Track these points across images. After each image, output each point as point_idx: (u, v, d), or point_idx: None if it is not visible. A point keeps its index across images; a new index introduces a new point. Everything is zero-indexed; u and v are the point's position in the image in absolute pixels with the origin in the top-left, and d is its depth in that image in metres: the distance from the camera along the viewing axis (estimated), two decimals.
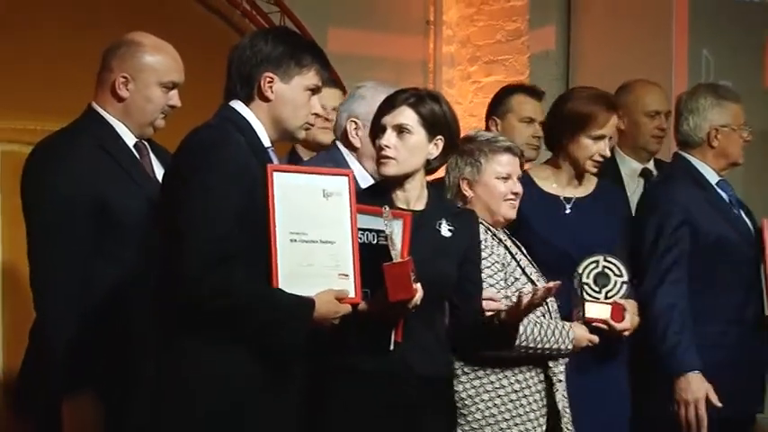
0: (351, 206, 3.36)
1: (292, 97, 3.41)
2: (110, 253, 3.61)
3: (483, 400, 3.79)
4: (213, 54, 4.78)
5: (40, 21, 4.40)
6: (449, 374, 3.72)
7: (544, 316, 3.95)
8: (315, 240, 3.30)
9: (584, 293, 4.12)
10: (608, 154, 4.39)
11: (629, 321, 4.17)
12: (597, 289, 4.12)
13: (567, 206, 4.33)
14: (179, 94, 3.76)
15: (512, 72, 5.89)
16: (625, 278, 4.16)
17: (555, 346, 3.88)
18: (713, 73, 6.00)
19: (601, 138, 4.31)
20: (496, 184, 3.91)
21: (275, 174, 3.25)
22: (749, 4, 6.15)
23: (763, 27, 6.22)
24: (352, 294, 3.32)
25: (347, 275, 3.32)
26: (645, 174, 5.04)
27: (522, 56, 6.05)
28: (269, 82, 3.38)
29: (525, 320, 3.76)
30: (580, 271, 4.12)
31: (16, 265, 4.19)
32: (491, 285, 3.82)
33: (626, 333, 4.17)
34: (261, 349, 3.23)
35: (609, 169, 4.94)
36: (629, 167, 5.08)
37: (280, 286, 3.22)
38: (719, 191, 4.59)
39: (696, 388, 4.30)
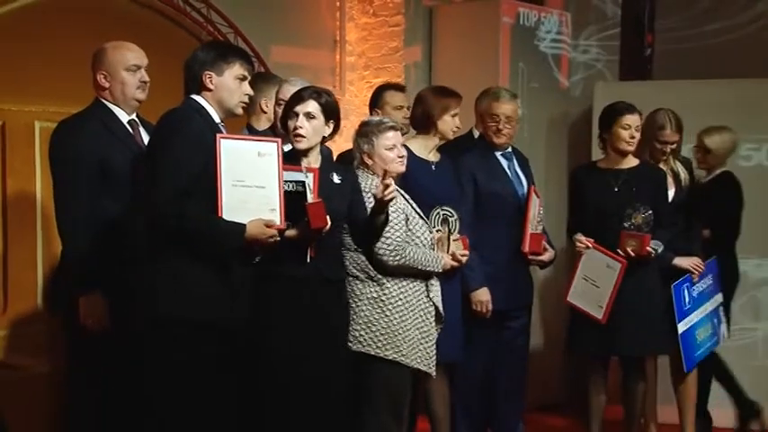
0: (278, 163, 3.33)
1: (227, 85, 3.39)
2: (111, 195, 3.57)
3: (398, 292, 3.80)
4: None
5: (67, 35, 4.30)
6: (344, 278, 3.72)
7: (433, 248, 4.00)
8: (251, 186, 3.27)
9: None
10: (460, 125, 4.39)
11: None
12: (443, 229, 4.11)
13: (432, 166, 4.31)
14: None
15: (392, 76, 5.87)
16: (456, 216, 4.17)
17: (430, 268, 3.90)
18: (526, 79, 6.03)
19: (455, 115, 4.33)
20: (386, 153, 3.84)
21: (221, 140, 3.24)
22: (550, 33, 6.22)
23: (556, 49, 6.25)
24: (278, 222, 3.31)
25: (274, 210, 3.31)
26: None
27: (400, 65, 6.04)
28: (209, 77, 3.37)
29: (416, 250, 3.84)
30: (431, 222, 4.06)
31: (52, 210, 4.08)
32: (393, 225, 3.77)
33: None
34: (210, 260, 3.24)
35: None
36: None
37: (224, 217, 3.22)
38: (503, 160, 4.58)
39: (483, 295, 4.38)
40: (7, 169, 4.25)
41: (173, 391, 3.24)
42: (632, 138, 4.52)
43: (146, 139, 3.70)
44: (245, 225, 3.23)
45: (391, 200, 3.55)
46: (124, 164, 3.59)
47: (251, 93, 3.49)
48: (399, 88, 4.83)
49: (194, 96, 3.40)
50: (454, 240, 4.13)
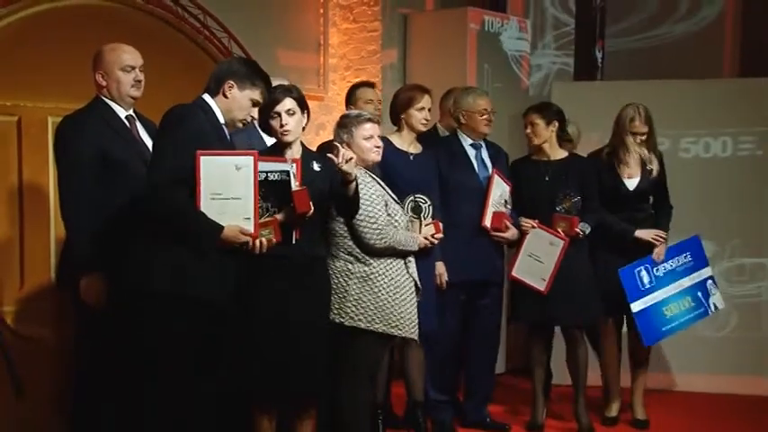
0: (254, 175, 3.24)
1: (240, 101, 3.37)
2: (109, 184, 3.55)
3: (383, 270, 3.77)
4: (184, 63, 4.69)
5: (77, 39, 4.25)
6: (325, 256, 3.70)
7: (408, 230, 3.98)
8: (228, 198, 3.22)
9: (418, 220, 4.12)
10: (429, 118, 4.36)
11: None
12: (416, 216, 4.09)
13: (411, 157, 4.31)
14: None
15: (370, 76, 5.89)
16: (429, 203, 4.14)
17: (408, 247, 3.88)
18: (491, 79, 6.07)
19: (421, 109, 4.31)
20: (363, 143, 3.79)
21: (201, 158, 3.18)
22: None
23: (518, 52, 6.27)
24: (251, 230, 3.26)
25: (249, 218, 3.26)
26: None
27: (377, 66, 6.07)
28: (229, 86, 3.34)
29: (397, 232, 3.80)
30: (405, 208, 4.04)
31: None
32: (377, 211, 3.75)
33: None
34: (194, 246, 3.23)
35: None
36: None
37: None
38: (470, 149, 4.61)
39: (439, 268, 4.32)
40: (23, 160, 4.22)
41: (167, 362, 3.23)
42: (529, 134, 4.63)
43: (142, 133, 3.70)
44: (222, 228, 3.22)
45: (350, 159, 3.50)
46: (122, 155, 3.57)
47: (255, 115, 3.46)
48: (369, 85, 4.82)
49: (205, 96, 3.38)
50: (426, 225, 4.13)
